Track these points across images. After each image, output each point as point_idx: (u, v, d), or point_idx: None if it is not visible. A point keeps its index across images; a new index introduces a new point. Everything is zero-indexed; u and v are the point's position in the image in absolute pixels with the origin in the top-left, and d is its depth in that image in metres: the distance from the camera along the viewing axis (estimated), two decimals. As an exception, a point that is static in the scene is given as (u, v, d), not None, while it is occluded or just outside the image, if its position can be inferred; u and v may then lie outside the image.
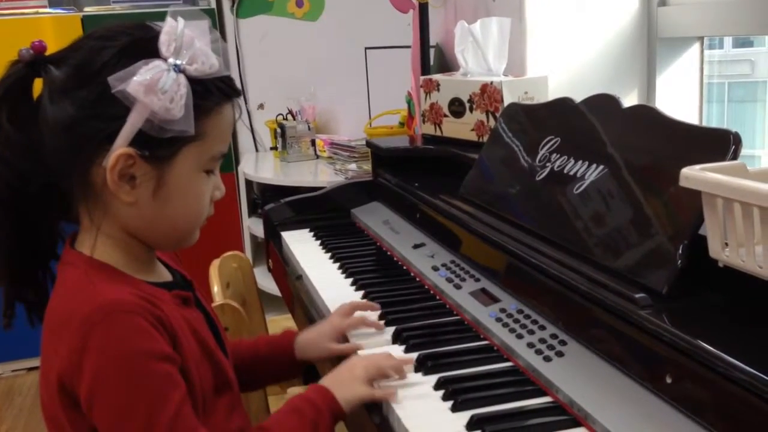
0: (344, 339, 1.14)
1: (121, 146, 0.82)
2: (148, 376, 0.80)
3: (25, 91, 0.86)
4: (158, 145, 0.83)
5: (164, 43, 0.83)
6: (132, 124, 0.82)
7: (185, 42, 0.84)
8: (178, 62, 0.83)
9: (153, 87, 0.80)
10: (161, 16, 0.83)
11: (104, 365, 0.79)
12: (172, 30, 0.84)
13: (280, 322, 1.84)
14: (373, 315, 1.18)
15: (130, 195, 0.85)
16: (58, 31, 2.85)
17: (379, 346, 1.10)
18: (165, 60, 0.83)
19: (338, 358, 1.07)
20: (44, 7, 2.95)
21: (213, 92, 0.87)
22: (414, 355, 1.03)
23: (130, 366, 0.79)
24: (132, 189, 0.85)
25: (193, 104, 0.83)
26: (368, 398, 0.94)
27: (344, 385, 0.94)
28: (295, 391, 1.62)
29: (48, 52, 0.86)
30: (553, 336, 0.99)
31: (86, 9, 2.99)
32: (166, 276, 0.96)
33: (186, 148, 0.86)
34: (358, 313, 1.16)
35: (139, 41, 0.84)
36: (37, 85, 0.87)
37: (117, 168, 0.83)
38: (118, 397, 0.79)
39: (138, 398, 0.79)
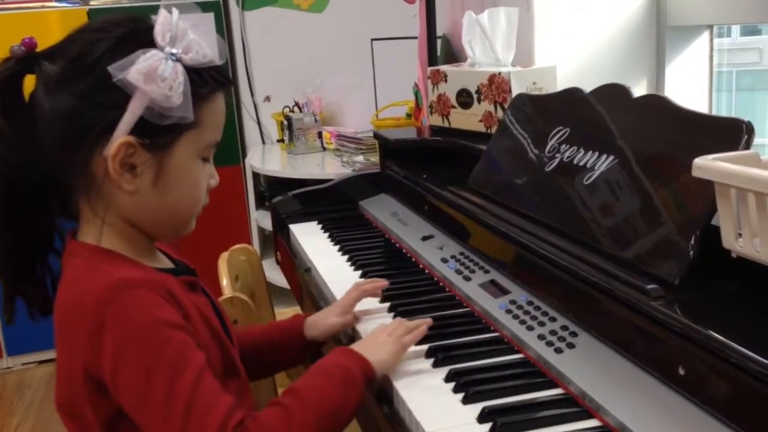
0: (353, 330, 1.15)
1: (122, 135, 0.83)
2: (165, 344, 0.80)
3: (16, 87, 0.87)
4: (158, 133, 0.85)
5: (159, 33, 0.84)
6: (133, 112, 0.83)
7: (180, 32, 0.85)
8: (175, 51, 0.84)
9: (152, 75, 0.81)
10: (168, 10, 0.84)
11: (121, 340, 0.79)
12: (166, 21, 0.85)
13: (288, 315, 1.83)
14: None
15: (131, 184, 0.86)
16: (64, 25, 2.81)
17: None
18: (162, 49, 0.84)
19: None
20: (50, 0, 2.94)
21: (208, 81, 0.88)
22: (424, 347, 1.03)
23: (146, 335, 0.80)
24: (133, 178, 0.86)
25: (190, 92, 0.84)
26: (400, 354, 0.97)
27: (373, 348, 0.96)
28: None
29: None
30: (564, 327, 0.99)
31: (92, 2, 2.98)
32: (169, 265, 0.97)
33: (184, 135, 0.87)
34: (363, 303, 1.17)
35: (134, 32, 0.85)
36: (28, 82, 0.87)
37: (118, 157, 0.84)
38: (138, 367, 0.79)
39: (158, 365, 0.79)
